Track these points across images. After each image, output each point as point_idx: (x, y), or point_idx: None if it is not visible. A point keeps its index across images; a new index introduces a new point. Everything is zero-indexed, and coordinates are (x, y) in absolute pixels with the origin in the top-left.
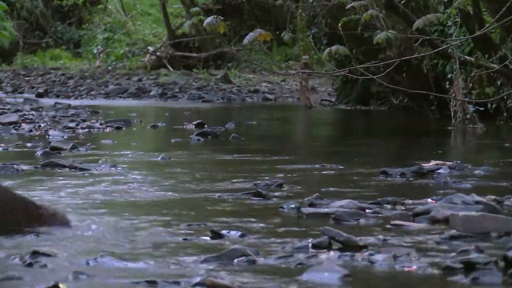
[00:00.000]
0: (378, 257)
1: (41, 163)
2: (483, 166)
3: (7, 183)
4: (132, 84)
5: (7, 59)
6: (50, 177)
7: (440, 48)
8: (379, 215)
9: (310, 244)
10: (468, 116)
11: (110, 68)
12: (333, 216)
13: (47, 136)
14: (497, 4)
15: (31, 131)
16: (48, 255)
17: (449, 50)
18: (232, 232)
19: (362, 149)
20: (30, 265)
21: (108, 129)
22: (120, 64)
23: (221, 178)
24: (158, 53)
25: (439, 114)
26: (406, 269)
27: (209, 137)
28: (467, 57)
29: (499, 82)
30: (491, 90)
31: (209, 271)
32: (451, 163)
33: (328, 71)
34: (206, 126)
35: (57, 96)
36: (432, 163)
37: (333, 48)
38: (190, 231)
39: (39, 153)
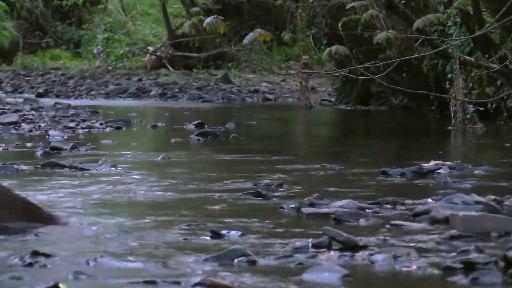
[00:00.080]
0: (378, 257)
1: (41, 163)
2: (483, 166)
3: (7, 183)
4: (132, 84)
5: (7, 59)
6: (50, 177)
7: (440, 48)
8: (379, 215)
9: (310, 244)
10: (468, 116)
11: (110, 68)
12: (333, 216)
13: (47, 136)
14: (497, 4)
15: (31, 131)
16: (48, 255)
17: (449, 50)
18: (232, 232)
19: (362, 149)
20: (30, 265)
21: (108, 129)
22: (120, 64)
23: (221, 178)
24: (158, 53)
25: (439, 114)
26: (404, 269)
27: (209, 137)
28: (467, 57)
29: (499, 82)
30: (491, 90)
31: (209, 271)
32: (451, 163)
33: (328, 71)
34: (206, 126)
35: (57, 96)
36: (432, 163)
37: (333, 48)
38: (190, 231)
39: (39, 153)
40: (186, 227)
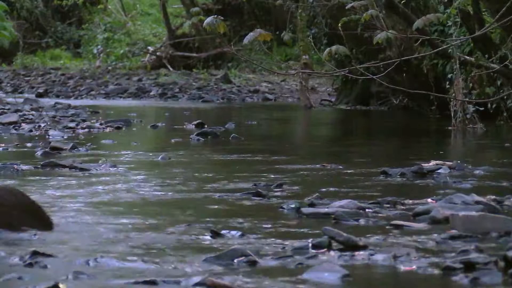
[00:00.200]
0: (378, 257)
1: (41, 163)
2: (483, 166)
3: (7, 183)
4: (132, 84)
5: (7, 59)
6: (50, 177)
7: (440, 48)
8: (379, 215)
9: (310, 244)
10: (468, 116)
11: (110, 68)
12: (333, 216)
13: (47, 136)
14: (497, 4)
15: (31, 131)
16: (48, 255)
17: (449, 50)
18: (232, 232)
19: (362, 149)
20: (30, 265)
21: (108, 129)
22: (120, 64)
23: (221, 178)
24: (158, 53)
25: (439, 114)
26: (403, 268)
27: (209, 137)
28: (467, 57)
29: (499, 82)
30: (491, 90)
31: (209, 271)
32: (451, 163)
33: (328, 71)
34: (206, 126)
35: (57, 96)
36: (432, 163)
37: (333, 48)
38: (190, 231)
39: (39, 153)
40: (186, 227)
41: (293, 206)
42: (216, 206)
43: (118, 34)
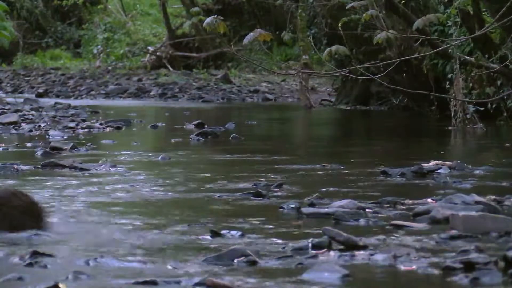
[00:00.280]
0: (378, 257)
1: (41, 163)
2: (483, 166)
3: (7, 183)
4: (132, 84)
5: (7, 59)
6: (50, 177)
7: (440, 48)
8: (379, 215)
9: (310, 244)
10: (468, 116)
11: (110, 68)
12: (333, 216)
13: (47, 136)
14: (497, 4)
15: (31, 131)
16: (48, 255)
17: (449, 50)
18: (232, 232)
19: (362, 149)
20: (30, 265)
21: (108, 129)
22: (120, 64)
23: (221, 178)
24: (158, 53)
25: (439, 114)
26: (403, 268)
27: (209, 137)
28: (467, 57)
29: (499, 82)
30: (491, 90)
31: (209, 271)
32: (451, 163)
33: (328, 71)
34: (206, 126)
35: (57, 96)
36: (432, 163)
37: (333, 48)
38: (190, 231)
39: (39, 153)
40: (186, 227)
41: (293, 206)
42: (216, 206)
43: (118, 34)
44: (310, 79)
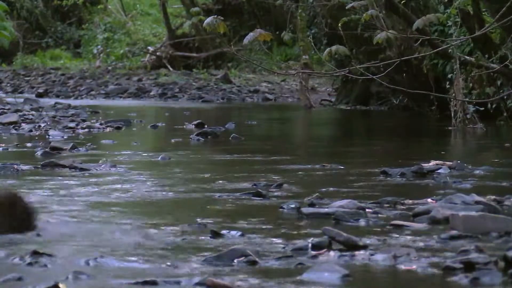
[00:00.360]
0: (378, 257)
1: (41, 163)
2: (483, 166)
3: (7, 183)
4: (132, 84)
5: (7, 59)
6: (50, 177)
7: (440, 48)
8: (379, 215)
9: (310, 244)
10: (468, 116)
11: (110, 68)
12: (333, 216)
13: (47, 136)
14: (497, 4)
15: (31, 131)
16: (48, 255)
17: (449, 50)
18: (232, 232)
19: (362, 149)
20: (30, 265)
21: (108, 129)
22: (120, 64)
23: (221, 178)
24: (158, 53)
25: (439, 114)
26: (403, 268)
27: (209, 137)
28: (467, 57)
29: (499, 82)
30: (491, 90)
31: (209, 271)
32: (451, 163)
33: (328, 71)
34: (206, 126)
35: (57, 96)
36: (432, 163)
37: (333, 48)
38: (190, 231)
39: (39, 153)
40: (186, 227)
41: (293, 206)
42: (216, 206)
43: (118, 34)
44: (310, 79)
